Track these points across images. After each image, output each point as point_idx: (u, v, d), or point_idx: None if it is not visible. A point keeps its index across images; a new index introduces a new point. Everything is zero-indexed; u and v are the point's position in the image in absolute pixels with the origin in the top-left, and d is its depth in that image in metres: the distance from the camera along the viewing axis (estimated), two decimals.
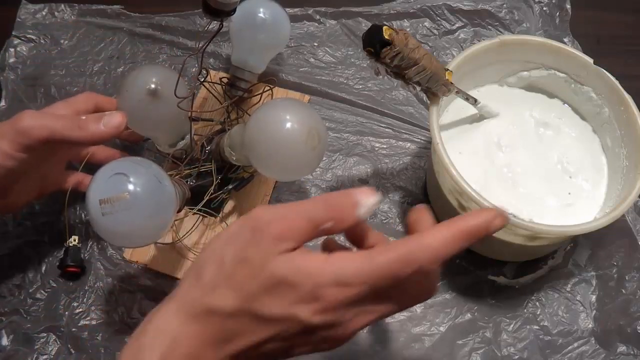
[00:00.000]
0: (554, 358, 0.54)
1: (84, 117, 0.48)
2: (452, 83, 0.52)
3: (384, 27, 0.45)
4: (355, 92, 0.67)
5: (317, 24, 0.71)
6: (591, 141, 0.59)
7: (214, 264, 0.34)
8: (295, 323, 0.33)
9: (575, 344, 0.55)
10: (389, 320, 0.56)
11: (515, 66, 0.60)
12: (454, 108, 0.60)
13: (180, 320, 0.34)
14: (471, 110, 0.58)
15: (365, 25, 0.71)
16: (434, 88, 0.51)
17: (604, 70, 0.55)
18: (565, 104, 0.61)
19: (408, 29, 0.71)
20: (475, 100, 0.56)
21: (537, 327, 0.56)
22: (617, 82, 0.54)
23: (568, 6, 0.71)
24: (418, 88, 0.50)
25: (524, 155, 0.57)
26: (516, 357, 0.54)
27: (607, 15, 0.74)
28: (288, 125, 0.47)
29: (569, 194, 0.56)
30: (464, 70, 0.56)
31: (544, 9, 0.72)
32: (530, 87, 0.62)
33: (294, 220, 0.34)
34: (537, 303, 0.57)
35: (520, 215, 0.52)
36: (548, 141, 0.58)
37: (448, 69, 0.52)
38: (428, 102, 0.53)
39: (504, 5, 0.73)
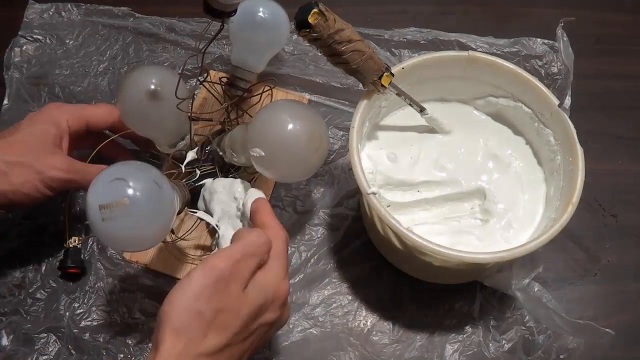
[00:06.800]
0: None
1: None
2: (383, 85, 0.49)
3: (313, 11, 0.43)
4: (355, 92, 0.65)
5: None
6: (536, 189, 0.54)
7: (194, 319, 0.36)
8: (270, 324, 0.41)
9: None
10: (380, 320, 0.54)
11: (485, 88, 0.55)
12: (404, 114, 0.57)
13: None
14: (422, 120, 0.55)
15: (375, 48, 0.66)
16: (364, 79, 0.49)
17: (566, 115, 0.50)
18: (528, 144, 0.56)
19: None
20: (422, 109, 0.53)
21: (523, 328, 0.53)
22: (574, 131, 0.49)
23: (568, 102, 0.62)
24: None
25: (457, 177, 0.54)
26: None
27: (607, 15, 0.72)
28: (290, 127, 0.46)
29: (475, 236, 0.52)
30: (426, 75, 0.53)
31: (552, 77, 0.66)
32: (498, 117, 0.57)
33: (244, 262, 0.39)
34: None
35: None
36: (489, 173, 0.54)
37: (389, 72, 0.49)
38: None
39: (518, 56, 0.66)
